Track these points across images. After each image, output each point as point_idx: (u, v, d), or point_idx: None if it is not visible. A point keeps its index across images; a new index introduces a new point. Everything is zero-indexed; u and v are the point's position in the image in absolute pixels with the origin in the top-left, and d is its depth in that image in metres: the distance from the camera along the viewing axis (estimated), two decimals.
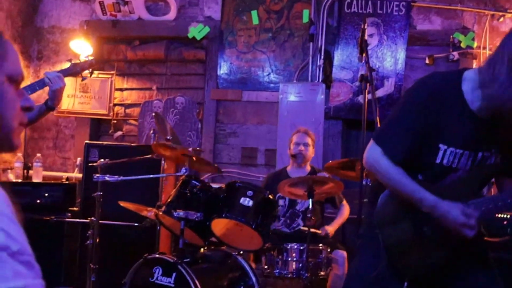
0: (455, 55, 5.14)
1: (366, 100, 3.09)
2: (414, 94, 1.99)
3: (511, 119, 1.84)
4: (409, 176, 1.95)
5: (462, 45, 5.12)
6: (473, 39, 5.10)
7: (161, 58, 5.81)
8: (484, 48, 5.09)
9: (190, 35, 5.59)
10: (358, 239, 2.22)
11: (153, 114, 4.64)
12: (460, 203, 1.89)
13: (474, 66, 5.10)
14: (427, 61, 5.24)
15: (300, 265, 3.46)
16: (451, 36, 5.14)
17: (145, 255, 3.23)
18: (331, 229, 3.92)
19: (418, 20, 5.34)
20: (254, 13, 5.55)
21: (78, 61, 3.41)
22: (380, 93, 5.14)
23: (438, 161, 1.94)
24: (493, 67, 1.78)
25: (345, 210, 4.13)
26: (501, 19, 5.12)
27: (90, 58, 3.39)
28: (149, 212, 3.85)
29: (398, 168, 1.94)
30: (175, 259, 3.09)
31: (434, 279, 1.99)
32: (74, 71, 3.24)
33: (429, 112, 1.90)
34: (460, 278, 1.99)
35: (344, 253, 3.83)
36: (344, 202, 4.14)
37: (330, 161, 4.07)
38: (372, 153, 1.99)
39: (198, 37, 5.60)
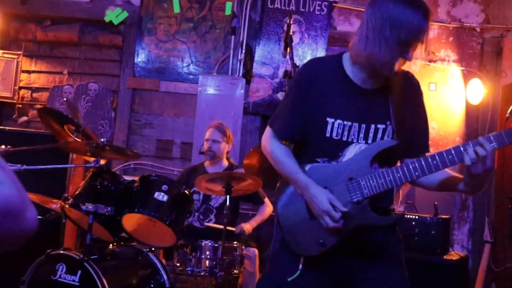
0: None
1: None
2: (296, 77, 2.16)
3: (403, 85, 2.00)
4: (307, 160, 2.02)
5: None
6: None
7: (74, 41, 5.48)
8: None
9: (106, 19, 5.32)
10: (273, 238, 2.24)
11: (64, 99, 4.37)
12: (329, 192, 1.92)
13: None
14: None
15: (214, 262, 3.37)
16: None
17: (48, 251, 3.00)
18: (248, 226, 3.85)
19: (339, 21, 5.40)
20: (175, 1, 5.37)
21: None
22: None
23: (327, 134, 1.98)
24: (359, 35, 1.91)
25: (266, 208, 4.05)
26: None
27: None
28: (54, 205, 3.60)
29: (284, 149, 2.05)
30: (81, 256, 2.90)
31: (332, 265, 1.99)
32: None
33: (311, 90, 2.00)
34: (360, 270, 1.99)
35: (256, 251, 3.79)
36: (266, 200, 4.07)
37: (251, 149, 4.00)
38: (265, 135, 2.11)
39: (115, 22, 5.33)
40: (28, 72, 5.54)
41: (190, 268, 3.39)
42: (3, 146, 3.48)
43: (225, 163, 4.15)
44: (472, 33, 5.27)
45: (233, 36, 5.31)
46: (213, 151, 4.03)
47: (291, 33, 3.13)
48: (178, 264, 3.42)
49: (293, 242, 2.01)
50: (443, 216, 3.87)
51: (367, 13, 1.92)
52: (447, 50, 5.26)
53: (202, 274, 3.41)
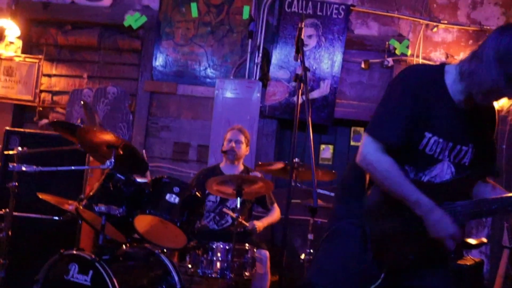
0: (390, 61, 5.22)
1: (299, 99, 3.04)
2: (402, 83, 2.02)
3: (491, 113, 2.02)
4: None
5: (397, 52, 5.20)
6: (407, 47, 5.19)
7: (94, 45, 5.57)
8: (418, 56, 5.19)
9: (126, 23, 5.39)
10: (330, 234, 2.15)
11: (81, 102, 4.43)
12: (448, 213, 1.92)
13: None
14: (362, 66, 5.29)
15: (225, 265, 3.38)
16: (387, 43, 5.22)
17: (61, 251, 3.05)
18: (259, 224, 3.86)
19: (356, 24, 5.38)
20: (193, 6, 5.42)
21: None
22: (315, 94, 5.15)
23: (421, 147, 1.98)
24: (476, 59, 1.89)
25: (276, 212, 4.08)
26: (435, 29, 5.25)
27: None
28: (70, 206, 3.66)
29: (396, 166, 1.94)
30: (93, 256, 2.94)
31: (404, 273, 2.03)
32: None
33: (418, 100, 1.95)
34: (421, 276, 2.04)
35: (267, 253, 3.79)
36: (276, 205, 4.09)
37: (261, 163, 4.03)
38: (369, 148, 1.98)
39: (135, 26, 5.41)
40: (49, 75, 5.64)
41: (201, 270, 3.41)
42: (19, 148, 3.56)
43: (241, 167, 4.17)
44: None
45: (250, 40, 5.33)
46: (235, 152, 4.06)
47: (302, 36, 3.13)
48: (190, 266, 3.44)
49: (382, 253, 2.00)
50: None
51: (494, 39, 1.88)
52: (466, 53, 5.17)
53: (213, 276, 3.42)
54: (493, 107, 2.11)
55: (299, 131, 4.95)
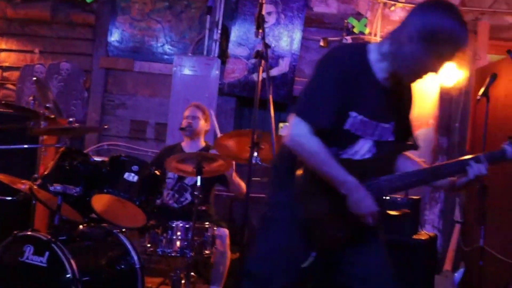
0: (348, 39, 5.24)
1: (260, 77, 3.02)
2: (328, 65, 2.00)
3: (406, 88, 2.07)
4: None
5: (355, 30, 5.23)
6: (365, 25, 5.23)
7: (46, 19, 5.37)
8: (376, 34, 5.23)
9: None
10: (264, 221, 2.15)
11: (34, 79, 4.27)
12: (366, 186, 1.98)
13: None
14: (321, 43, 5.29)
15: (185, 243, 3.36)
16: (346, 21, 5.23)
17: (15, 232, 2.96)
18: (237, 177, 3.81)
19: (316, 2, 5.38)
20: None
21: None
22: (274, 72, 5.13)
23: (346, 127, 1.99)
24: (397, 39, 1.92)
25: (243, 184, 3.98)
26: (392, 8, 5.29)
27: None
28: (23, 185, 3.54)
29: (324, 146, 1.94)
30: (49, 237, 2.86)
31: (336, 251, 2.07)
32: None
33: (344, 81, 1.95)
34: (356, 252, 2.08)
35: (226, 231, 3.78)
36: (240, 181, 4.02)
37: (222, 134, 3.98)
38: (299, 131, 1.94)
39: (88, 0, 5.23)
40: None
41: (161, 249, 3.38)
42: None
43: (202, 143, 4.13)
44: None
45: (208, 16, 5.25)
46: (192, 127, 4.01)
47: (263, 12, 3.10)
48: (149, 245, 3.41)
49: (312, 232, 2.01)
50: (414, 197, 3.91)
51: (416, 18, 1.90)
52: None
53: (173, 255, 3.40)
54: (411, 87, 2.16)
55: (259, 109, 4.94)
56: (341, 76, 1.95)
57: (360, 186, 1.95)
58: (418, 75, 1.96)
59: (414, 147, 2.17)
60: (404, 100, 2.13)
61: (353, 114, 1.98)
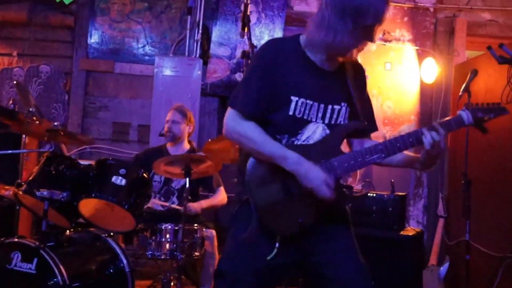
0: None
1: None
2: (258, 55, 2.08)
3: (352, 68, 2.09)
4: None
5: None
6: None
7: (23, 21, 5.27)
8: None
9: None
10: (231, 220, 2.15)
11: (14, 82, 4.20)
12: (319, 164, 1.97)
13: None
14: None
15: (175, 245, 3.34)
16: None
17: (1, 239, 2.90)
18: (195, 205, 3.74)
19: (295, 1, 5.39)
20: None
21: None
22: None
23: (291, 113, 2.00)
24: (318, 22, 1.95)
25: (220, 195, 3.98)
26: None
27: None
28: (6, 192, 3.48)
29: (259, 128, 1.98)
30: (37, 243, 2.81)
31: (302, 239, 2.04)
32: None
33: (272, 70, 2.00)
34: (324, 240, 2.05)
35: (214, 232, 3.77)
36: (221, 188, 4.00)
37: (210, 140, 3.97)
38: (230, 118, 2.01)
39: (67, 1, 5.15)
40: None
41: (150, 252, 3.35)
42: None
43: (187, 146, 4.10)
44: (426, 13, 5.35)
45: (189, 16, 5.23)
46: (173, 132, 3.98)
47: (248, 13, 3.09)
48: (138, 248, 3.38)
49: (270, 222, 1.99)
50: (400, 193, 3.96)
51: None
52: (402, 30, 5.33)
53: (162, 257, 3.38)
54: (360, 66, 2.19)
55: None
56: (267, 64, 2.00)
57: (303, 159, 1.94)
58: (352, 48, 1.97)
59: (370, 127, 2.18)
60: (356, 82, 2.13)
61: (294, 98, 2.00)
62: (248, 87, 2.02)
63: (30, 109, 3.47)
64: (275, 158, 1.95)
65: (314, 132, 2.04)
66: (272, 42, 2.12)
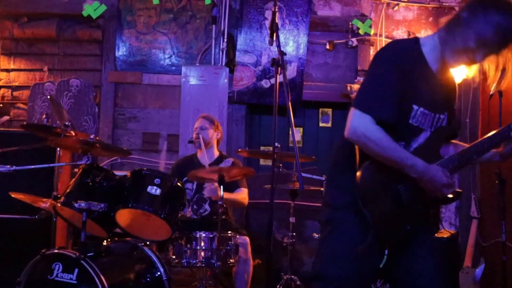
0: (354, 41, 5.28)
1: (278, 84, 3.03)
2: (384, 58, 2.07)
3: (450, 78, 2.12)
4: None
5: (361, 31, 5.26)
6: (370, 26, 5.26)
7: (52, 37, 5.40)
8: (381, 35, 5.27)
9: (85, 13, 5.24)
10: (325, 225, 2.17)
11: (48, 97, 4.30)
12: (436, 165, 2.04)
13: (371, 52, 5.27)
14: (327, 47, 5.33)
15: (210, 253, 3.37)
16: (350, 23, 5.26)
17: (43, 250, 2.96)
18: (225, 194, 3.55)
19: (319, 6, 5.40)
20: None
21: None
22: (283, 77, 5.13)
23: (410, 121, 2.05)
24: (452, 24, 2.02)
25: (243, 194, 3.95)
26: (396, 7, 5.33)
27: None
28: (44, 204, 3.55)
29: (389, 136, 1.99)
30: (77, 254, 2.87)
31: (404, 243, 2.10)
32: None
33: (401, 73, 2.00)
34: (409, 244, 2.11)
35: (247, 238, 3.79)
36: (245, 189, 3.97)
37: (240, 150, 4.01)
38: (361, 122, 1.98)
39: (94, 16, 5.26)
40: (7, 70, 5.45)
41: (185, 260, 3.39)
42: None
43: (216, 153, 4.14)
44: (451, 13, 5.28)
45: (214, 26, 5.28)
46: (202, 138, 4.01)
47: (276, 20, 3.12)
48: (173, 257, 3.42)
49: (383, 231, 2.04)
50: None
51: (472, 12, 1.98)
52: (427, 30, 5.31)
53: (198, 265, 3.41)
54: (452, 75, 2.21)
55: (267, 115, 4.96)
56: (399, 68, 2.00)
57: (428, 165, 2.00)
58: (462, 58, 2.02)
59: (456, 132, 2.26)
60: (452, 91, 2.19)
61: (415, 107, 2.04)
62: (380, 90, 2.00)
63: (66, 123, 3.55)
64: (403, 165, 2.00)
65: (423, 139, 2.10)
66: (397, 44, 2.16)
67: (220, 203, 3.35)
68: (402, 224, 2.05)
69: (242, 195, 3.99)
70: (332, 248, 2.15)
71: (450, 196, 2.05)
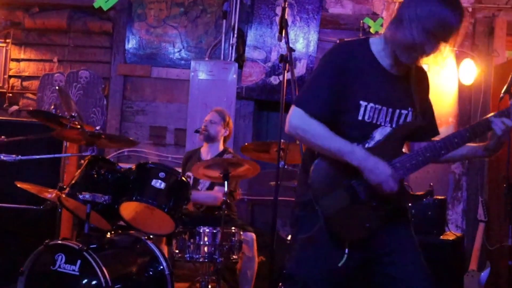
0: None
1: (285, 80, 3.02)
2: (326, 59, 2.10)
3: (417, 73, 2.11)
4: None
5: (372, 30, 5.22)
6: (381, 25, 5.21)
7: (63, 28, 5.40)
8: None
9: (96, 5, 5.23)
10: (295, 224, 2.19)
11: (57, 88, 4.31)
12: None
13: None
14: None
15: (213, 248, 3.37)
16: (361, 21, 5.22)
17: (46, 241, 2.97)
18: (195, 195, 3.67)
19: (331, 3, 5.37)
20: None
21: None
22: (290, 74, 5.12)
23: (360, 117, 2.03)
24: (396, 21, 1.99)
25: (216, 193, 3.81)
26: None
27: None
28: (49, 194, 3.57)
29: (324, 125, 1.99)
30: (80, 245, 2.87)
31: (368, 241, 2.06)
32: None
33: (343, 72, 2.01)
34: (388, 241, 2.08)
35: (253, 235, 3.78)
36: (222, 188, 3.68)
37: (246, 144, 3.98)
38: (295, 115, 2.02)
39: (105, 8, 5.25)
40: (17, 60, 5.47)
41: (188, 255, 3.38)
42: None
43: (221, 148, 4.12)
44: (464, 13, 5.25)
45: (224, 20, 5.26)
46: (208, 131, 3.99)
47: (286, 16, 3.10)
48: (177, 251, 3.41)
49: (338, 229, 2.02)
50: (439, 197, 3.90)
51: (407, 7, 1.97)
52: None
53: (201, 260, 3.40)
54: (423, 70, 2.21)
55: (276, 111, 4.93)
56: (339, 67, 2.02)
57: (369, 154, 1.97)
58: (414, 54, 1.98)
59: (431, 131, 2.21)
60: (420, 87, 2.16)
61: (363, 103, 2.02)
62: (317, 88, 2.04)
63: (73, 114, 3.55)
64: (342, 153, 1.97)
65: (383, 136, 2.06)
66: (343, 45, 2.13)
67: (224, 198, 3.33)
68: (359, 221, 2.02)
69: (214, 194, 3.84)
70: (297, 248, 2.15)
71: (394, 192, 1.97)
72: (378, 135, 2.05)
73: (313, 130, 1.99)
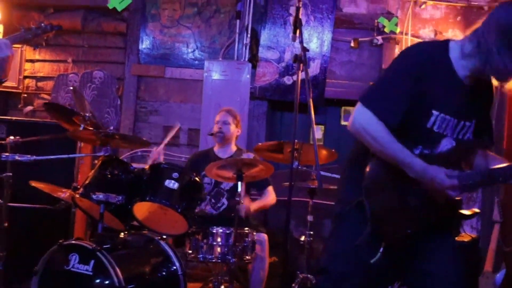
0: (379, 39, 5.20)
1: (299, 80, 3.00)
2: (404, 60, 2.04)
3: (490, 87, 2.05)
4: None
5: (386, 30, 5.17)
6: (396, 25, 5.17)
7: (77, 28, 5.43)
8: (407, 33, 5.18)
9: (110, 6, 5.25)
10: (334, 220, 2.20)
11: (71, 88, 4.34)
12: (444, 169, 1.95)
13: (396, 51, 5.19)
14: (352, 44, 5.26)
15: (226, 249, 3.36)
16: (376, 21, 5.18)
17: (60, 241, 2.99)
18: (254, 206, 3.76)
19: (345, 2, 5.33)
20: None
21: (31, 27, 3.03)
22: (304, 74, 5.10)
23: (429, 126, 2.00)
24: (479, 37, 1.92)
25: (270, 196, 3.98)
26: (423, 6, 5.24)
27: (44, 24, 3.03)
28: (63, 194, 3.59)
29: (389, 132, 1.95)
30: (94, 245, 2.88)
31: (406, 244, 2.06)
32: (25, 38, 2.89)
33: (420, 78, 1.96)
34: (426, 248, 2.07)
35: (266, 236, 3.76)
36: (270, 188, 3.99)
37: (260, 144, 3.98)
38: (363, 116, 1.98)
39: (119, 8, 5.27)
40: (32, 61, 5.51)
41: (202, 255, 3.38)
42: (12, 137, 3.47)
43: (234, 148, 4.12)
44: (479, 12, 5.19)
45: (238, 20, 5.26)
46: (223, 133, 4.00)
47: (300, 16, 3.08)
48: (190, 251, 3.41)
49: (381, 227, 2.03)
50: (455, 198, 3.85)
51: (500, 16, 1.92)
52: (455, 29, 5.20)
53: (214, 260, 3.40)
54: (491, 82, 2.12)
55: (289, 112, 4.91)
56: (416, 74, 1.96)
57: (427, 165, 1.93)
58: (504, 74, 1.92)
59: (487, 144, 2.19)
60: (484, 98, 2.13)
61: (436, 112, 1.99)
62: (393, 94, 1.98)
63: (87, 114, 3.57)
64: (401, 162, 1.96)
65: (446, 145, 2.05)
66: (422, 48, 2.08)
67: (238, 199, 3.33)
68: (402, 226, 2.02)
69: (270, 197, 3.97)
70: (335, 243, 2.17)
71: (458, 198, 1.97)
72: (443, 145, 2.04)
73: (380, 137, 1.96)
